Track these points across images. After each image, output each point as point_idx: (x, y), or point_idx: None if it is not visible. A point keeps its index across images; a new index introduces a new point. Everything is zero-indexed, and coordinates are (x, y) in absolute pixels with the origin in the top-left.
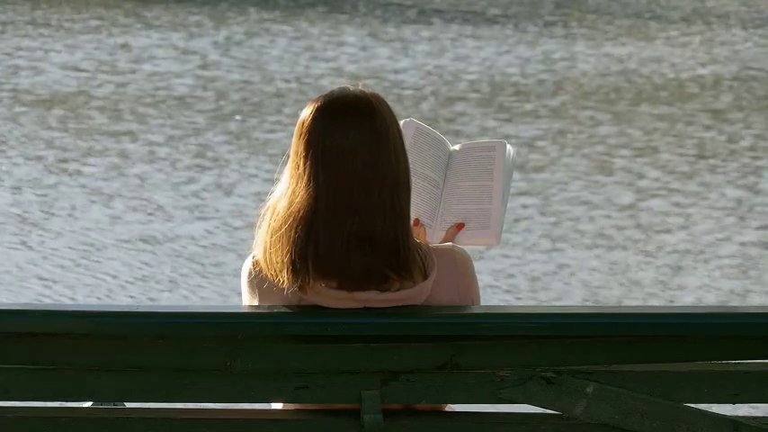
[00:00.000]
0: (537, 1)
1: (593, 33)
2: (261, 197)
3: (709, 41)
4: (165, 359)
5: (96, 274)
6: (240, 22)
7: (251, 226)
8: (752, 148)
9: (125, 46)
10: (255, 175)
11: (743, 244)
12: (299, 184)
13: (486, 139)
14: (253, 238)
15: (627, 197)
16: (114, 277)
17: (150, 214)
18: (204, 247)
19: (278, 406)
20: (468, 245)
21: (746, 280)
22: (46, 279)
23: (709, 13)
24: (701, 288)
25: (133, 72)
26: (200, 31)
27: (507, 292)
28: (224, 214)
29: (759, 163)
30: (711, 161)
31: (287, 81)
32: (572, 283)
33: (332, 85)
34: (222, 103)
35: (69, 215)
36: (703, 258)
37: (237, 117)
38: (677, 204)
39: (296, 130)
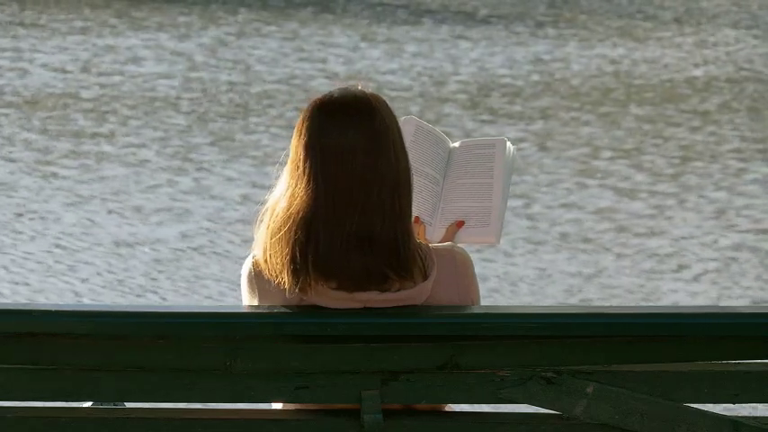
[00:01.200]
0: (528, 1)
1: (585, 34)
2: (241, 200)
3: (701, 42)
4: (165, 359)
5: (68, 279)
6: (230, 22)
7: (226, 229)
8: (737, 151)
9: (113, 47)
10: (237, 179)
11: (724, 247)
12: (299, 185)
13: (483, 137)
14: (232, 240)
15: (609, 200)
16: (86, 281)
17: (127, 217)
18: (182, 250)
19: (278, 406)
20: (468, 243)
21: (727, 283)
22: (16, 283)
23: (702, 14)
24: (680, 291)
25: (120, 74)
26: (188, 32)
27: (484, 296)
28: (201, 217)
29: (742, 165)
30: (696, 164)
31: (275, 82)
32: (549, 286)
33: (320, 86)
34: (208, 104)
35: (44, 218)
36: (684, 262)
37: None
38: (659, 207)
39: (295, 130)
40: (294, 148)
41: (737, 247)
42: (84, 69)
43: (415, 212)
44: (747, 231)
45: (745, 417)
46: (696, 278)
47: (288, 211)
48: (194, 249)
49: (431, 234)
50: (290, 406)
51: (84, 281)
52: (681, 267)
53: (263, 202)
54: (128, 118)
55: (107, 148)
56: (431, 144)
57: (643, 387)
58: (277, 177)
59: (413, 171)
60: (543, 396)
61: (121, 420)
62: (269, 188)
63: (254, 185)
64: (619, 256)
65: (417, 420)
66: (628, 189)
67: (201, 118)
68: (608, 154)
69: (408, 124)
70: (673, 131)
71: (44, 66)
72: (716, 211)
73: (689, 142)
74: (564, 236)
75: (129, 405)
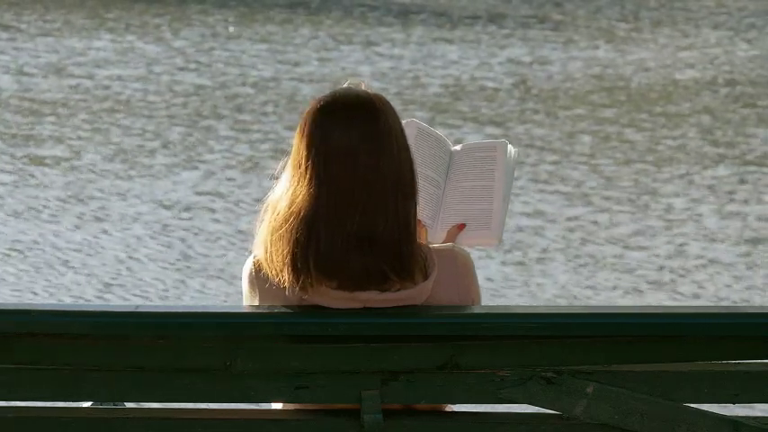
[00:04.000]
0: (509, 3)
1: (566, 36)
2: (185, 207)
3: (684, 45)
4: (165, 359)
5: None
6: (204, 24)
7: (168, 236)
8: (700, 155)
9: (81, 49)
10: (189, 186)
11: (676, 255)
12: (300, 184)
13: (485, 140)
14: (169, 246)
15: (560, 205)
16: (33, 291)
17: (68, 223)
18: (130, 258)
19: (278, 406)
20: (469, 245)
21: (681, 291)
22: None
23: (685, 17)
24: (627, 300)
25: (86, 77)
26: (160, 34)
27: None
28: (144, 224)
29: (701, 170)
30: (654, 168)
31: (244, 85)
32: (495, 296)
33: (291, 89)
34: (173, 108)
35: None
36: (633, 269)
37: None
38: (611, 212)
39: (298, 128)
40: (296, 146)
41: (689, 254)
42: (51, 72)
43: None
44: (699, 239)
45: (745, 417)
46: (644, 286)
47: (289, 209)
48: (133, 259)
49: (432, 236)
50: (290, 406)
51: (33, 294)
52: (626, 275)
53: (264, 201)
54: (86, 122)
55: (59, 152)
56: (432, 147)
57: (643, 387)
58: (278, 175)
59: (416, 173)
60: (543, 396)
61: (121, 420)
62: (214, 195)
63: (199, 193)
64: (567, 263)
65: (417, 420)
66: (580, 194)
67: (162, 122)
68: (567, 158)
69: (409, 127)
70: (637, 135)
71: (6, 69)
72: (669, 218)
73: (652, 146)
74: (515, 243)
75: (129, 405)
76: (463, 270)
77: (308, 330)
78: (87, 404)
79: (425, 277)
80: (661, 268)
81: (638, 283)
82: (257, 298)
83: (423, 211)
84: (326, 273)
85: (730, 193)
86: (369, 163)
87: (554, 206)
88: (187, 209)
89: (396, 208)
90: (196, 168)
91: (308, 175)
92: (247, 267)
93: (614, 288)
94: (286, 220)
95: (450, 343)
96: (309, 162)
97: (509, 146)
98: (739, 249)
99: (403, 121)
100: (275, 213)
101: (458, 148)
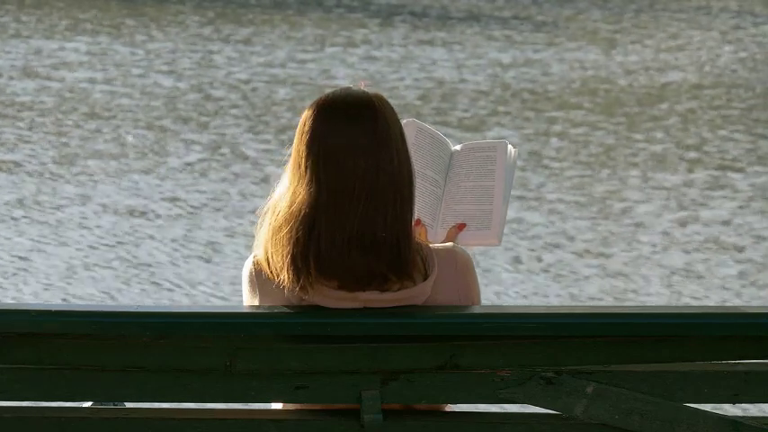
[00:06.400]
0: (490, 4)
1: (549, 38)
2: (129, 214)
3: (669, 47)
4: (165, 359)
5: None
6: (180, 26)
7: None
8: (658, 158)
9: (54, 50)
10: (144, 191)
11: (626, 261)
12: (300, 184)
13: (485, 140)
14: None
15: (513, 209)
16: None
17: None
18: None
19: (278, 406)
20: (469, 245)
21: (639, 300)
22: None
23: (669, 18)
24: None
25: (55, 80)
26: (135, 36)
27: None
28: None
29: (658, 174)
30: (610, 172)
31: (218, 88)
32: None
33: (270, 91)
34: (142, 112)
35: None
36: (594, 275)
37: (130, 138)
38: (562, 216)
39: (297, 129)
40: (296, 146)
41: (652, 260)
42: (22, 74)
43: (416, 215)
44: (661, 243)
45: (745, 417)
46: (587, 293)
47: (289, 209)
48: (82, 264)
49: (432, 236)
50: (290, 406)
51: None
52: (589, 282)
53: (264, 201)
54: (50, 124)
55: (18, 156)
56: (432, 147)
57: (643, 387)
58: (281, 175)
59: (414, 173)
60: (543, 396)
61: (121, 420)
62: (171, 200)
63: (155, 199)
64: (515, 269)
65: (417, 420)
66: (532, 198)
67: (126, 125)
68: (532, 162)
69: (409, 127)
70: (609, 138)
71: None
72: (632, 223)
73: (622, 150)
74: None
75: (129, 405)
76: (463, 270)
77: (307, 330)
78: (87, 404)
79: (425, 277)
80: (623, 274)
81: (598, 292)
82: (257, 298)
83: (423, 210)
84: (327, 273)
85: (696, 197)
86: (368, 162)
87: (514, 211)
88: (141, 214)
89: (395, 208)
90: (153, 173)
91: (307, 176)
92: (247, 267)
93: (574, 295)
94: (286, 221)
95: (449, 343)
96: (309, 162)
97: (509, 146)
98: (702, 255)
99: (403, 122)
100: (275, 214)
101: (458, 148)
